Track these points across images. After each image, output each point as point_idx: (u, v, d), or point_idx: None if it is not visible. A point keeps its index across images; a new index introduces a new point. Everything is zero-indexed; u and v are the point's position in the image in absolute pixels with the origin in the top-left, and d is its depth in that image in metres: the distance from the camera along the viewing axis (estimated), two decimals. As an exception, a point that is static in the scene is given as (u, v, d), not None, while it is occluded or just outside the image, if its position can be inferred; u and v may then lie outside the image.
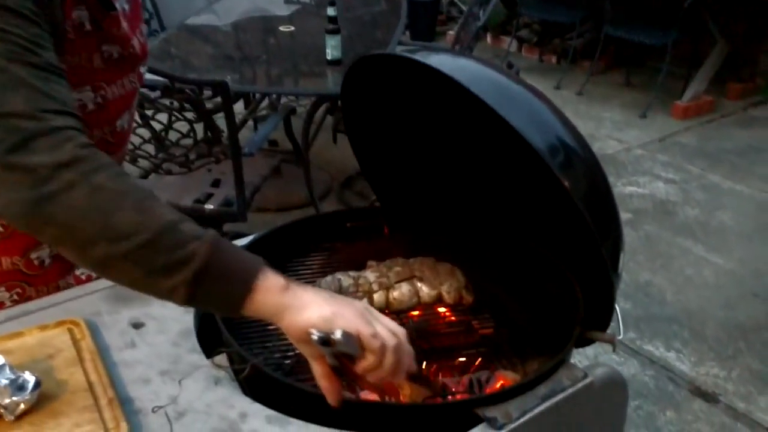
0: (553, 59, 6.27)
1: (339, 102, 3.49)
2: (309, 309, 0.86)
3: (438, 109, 1.29)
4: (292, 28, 3.75)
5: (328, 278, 1.19)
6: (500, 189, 1.36)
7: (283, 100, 3.83)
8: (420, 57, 1.13)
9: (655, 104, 5.20)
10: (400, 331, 0.91)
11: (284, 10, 4.15)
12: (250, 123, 4.14)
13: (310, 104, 3.43)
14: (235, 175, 2.89)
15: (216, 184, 3.17)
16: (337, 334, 0.84)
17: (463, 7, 7.02)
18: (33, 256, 1.23)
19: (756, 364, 2.88)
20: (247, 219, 3.05)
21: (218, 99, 2.82)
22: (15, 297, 1.24)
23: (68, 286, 1.27)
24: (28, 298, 1.23)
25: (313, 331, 0.84)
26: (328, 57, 3.23)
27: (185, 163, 2.92)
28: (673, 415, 2.63)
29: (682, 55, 5.28)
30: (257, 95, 3.84)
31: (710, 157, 4.62)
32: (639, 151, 4.72)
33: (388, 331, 0.89)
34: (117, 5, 1.15)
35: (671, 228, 3.84)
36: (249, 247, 1.32)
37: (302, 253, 1.42)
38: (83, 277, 1.31)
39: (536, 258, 1.30)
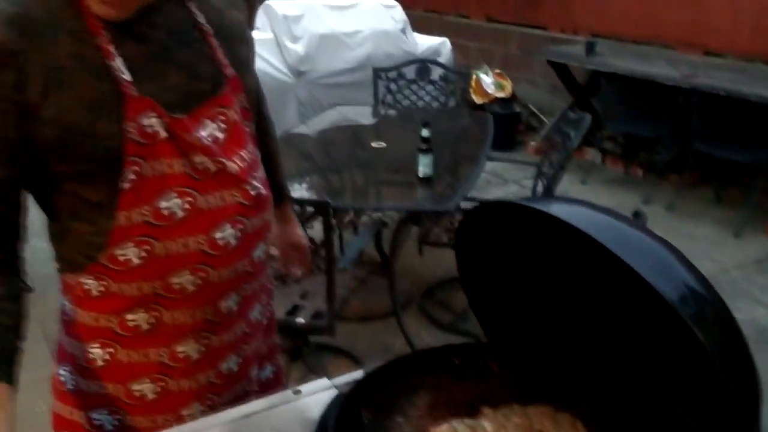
0: (639, 172, 6.21)
1: (422, 216, 3.54)
2: None
3: (556, 254, 1.28)
4: (384, 145, 3.86)
5: (444, 427, 1.16)
6: (621, 335, 1.31)
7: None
8: (539, 206, 1.14)
9: (750, 223, 5.04)
10: None
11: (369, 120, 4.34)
12: (335, 235, 4.22)
13: (400, 219, 3.47)
14: (328, 290, 2.92)
15: (304, 296, 3.20)
16: None
17: (543, 118, 7.10)
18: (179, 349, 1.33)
19: None
20: (335, 333, 3.05)
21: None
22: (158, 389, 1.34)
23: (207, 380, 1.39)
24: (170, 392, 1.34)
25: None
26: (420, 174, 3.32)
27: (279, 277, 2.96)
28: None
29: (776, 171, 5.15)
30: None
31: (813, 281, 4.42)
32: (735, 272, 4.55)
33: None
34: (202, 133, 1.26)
35: (775, 356, 3.64)
36: (360, 385, 1.31)
37: (408, 390, 1.40)
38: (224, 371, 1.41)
39: (664, 412, 1.24)
